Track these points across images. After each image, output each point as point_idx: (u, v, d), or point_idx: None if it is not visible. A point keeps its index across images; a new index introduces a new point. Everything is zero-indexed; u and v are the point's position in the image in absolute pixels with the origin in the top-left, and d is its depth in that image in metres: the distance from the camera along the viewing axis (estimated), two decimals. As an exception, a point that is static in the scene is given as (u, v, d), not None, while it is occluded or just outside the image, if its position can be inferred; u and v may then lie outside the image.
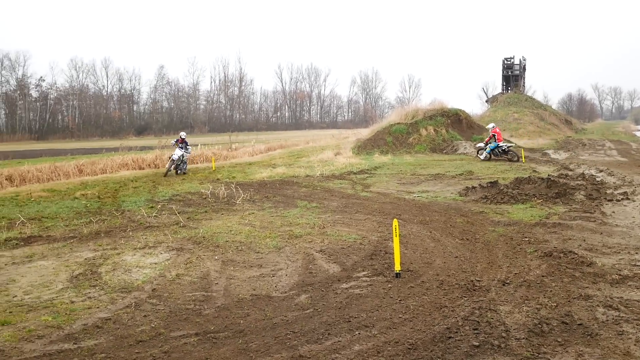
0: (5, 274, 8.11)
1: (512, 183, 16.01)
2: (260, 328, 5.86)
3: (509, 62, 72.58)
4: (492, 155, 26.79)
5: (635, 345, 5.07)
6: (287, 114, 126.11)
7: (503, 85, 73.41)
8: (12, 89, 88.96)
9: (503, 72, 72.89)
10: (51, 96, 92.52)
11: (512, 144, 28.41)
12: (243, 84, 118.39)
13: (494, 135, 26.80)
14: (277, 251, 9.24)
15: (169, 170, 23.10)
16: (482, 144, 27.97)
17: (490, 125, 28.19)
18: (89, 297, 6.94)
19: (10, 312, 6.41)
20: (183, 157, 23.51)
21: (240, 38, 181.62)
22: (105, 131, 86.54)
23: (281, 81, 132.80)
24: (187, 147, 24.13)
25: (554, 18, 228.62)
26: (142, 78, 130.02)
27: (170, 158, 23.68)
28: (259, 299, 6.89)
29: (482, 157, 27.06)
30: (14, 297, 7.02)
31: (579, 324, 5.57)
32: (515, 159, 26.09)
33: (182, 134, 24.56)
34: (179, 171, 23.43)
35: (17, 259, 9.00)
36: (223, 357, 5.13)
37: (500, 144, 26.79)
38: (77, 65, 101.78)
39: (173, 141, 24.66)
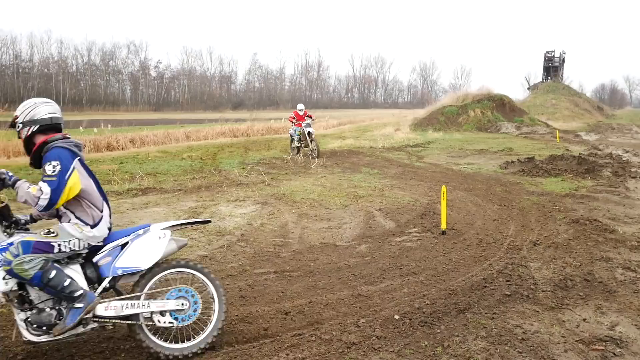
0: (127, 216, 8.44)
1: (547, 159, 15.42)
2: (326, 270, 5.91)
3: (550, 55, 69.47)
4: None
5: (649, 302, 4.84)
6: (356, 95, 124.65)
7: (543, 74, 70.46)
8: (136, 69, 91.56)
9: (544, 63, 69.89)
10: (166, 76, 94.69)
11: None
12: (320, 69, 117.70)
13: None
14: (343, 208, 9.24)
15: (298, 149, 17.48)
16: None
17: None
18: (191, 238, 7.15)
19: (130, 247, 6.68)
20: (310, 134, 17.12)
21: (320, 30, 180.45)
22: (208, 105, 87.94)
23: (352, 67, 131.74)
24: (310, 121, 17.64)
25: (593, 14, 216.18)
26: (239, 62, 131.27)
27: (294, 138, 17.79)
28: (327, 246, 6.93)
29: None
30: (133, 235, 7.30)
31: (599, 282, 5.36)
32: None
33: (300, 106, 18.37)
34: (311, 148, 16.96)
35: (136, 205, 9.34)
36: (296, 292, 5.20)
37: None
38: (187, 51, 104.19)
39: (291, 116, 18.38)
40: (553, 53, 69.49)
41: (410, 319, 4.46)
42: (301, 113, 17.96)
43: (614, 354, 3.89)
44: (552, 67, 69.03)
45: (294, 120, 18.14)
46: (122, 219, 8.20)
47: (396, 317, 4.51)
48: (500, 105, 36.17)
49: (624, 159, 16.31)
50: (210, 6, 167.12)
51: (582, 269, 5.77)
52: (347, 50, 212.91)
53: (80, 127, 24.12)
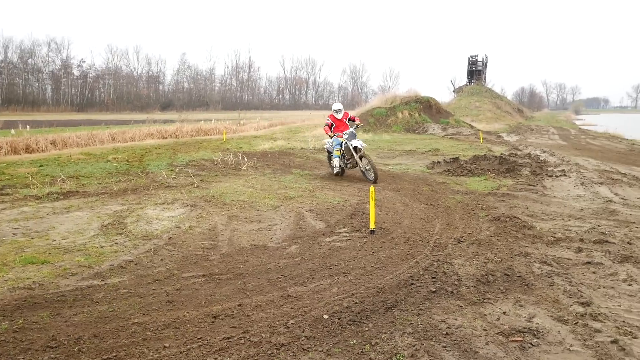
0: (46, 221, 8.06)
1: (471, 159, 15.98)
2: (256, 272, 5.86)
3: (474, 59, 72.24)
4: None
5: (563, 294, 5.11)
6: (287, 97, 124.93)
7: (468, 78, 73.17)
8: (57, 68, 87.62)
9: (468, 67, 72.61)
10: (90, 75, 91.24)
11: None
12: (251, 70, 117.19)
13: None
14: (274, 209, 9.22)
15: (342, 170, 12.99)
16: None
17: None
18: (116, 243, 6.92)
19: (49, 253, 6.39)
20: (358, 146, 12.28)
21: (250, 31, 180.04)
22: (135, 106, 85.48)
23: (283, 69, 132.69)
24: (356, 125, 12.85)
25: (514, 20, 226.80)
26: (167, 62, 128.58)
27: (333, 155, 13.01)
28: (257, 248, 6.88)
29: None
30: (53, 241, 6.99)
31: (518, 276, 5.61)
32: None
33: (337, 106, 13.22)
34: (363, 169, 12.40)
35: (57, 209, 8.94)
36: (225, 295, 5.13)
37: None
38: (112, 50, 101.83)
39: (328, 122, 13.07)
40: (476, 57, 72.30)
41: (339, 318, 4.50)
42: (339, 115, 12.95)
43: (532, 344, 4.08)
44: (476, 71, 71.80)
45: (331, 129, 12.96)
46: (42, 224, 7.83)
47: (325, 316, 4.54)
48: (427, 107, 37.21)
49: (541, 158, 17.15)
50: (136, 3, 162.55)
51: (503, 264, 6.01)
52: (277, 52, 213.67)
53: (-4, 129, 22.82)
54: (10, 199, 9.71)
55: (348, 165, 12.89)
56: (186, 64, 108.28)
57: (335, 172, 13.00)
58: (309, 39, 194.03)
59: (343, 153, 12.67)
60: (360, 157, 12.35)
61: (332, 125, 13.00)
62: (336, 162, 12.81)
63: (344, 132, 12.54)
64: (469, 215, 8.85)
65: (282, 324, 4.41)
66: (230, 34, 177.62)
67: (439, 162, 15.71)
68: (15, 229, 7.56)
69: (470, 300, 4.97)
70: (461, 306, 4.82)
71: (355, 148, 12.28)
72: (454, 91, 74.69)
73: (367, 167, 12.35)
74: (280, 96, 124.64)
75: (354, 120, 12.93)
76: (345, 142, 12.43)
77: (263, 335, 4.19)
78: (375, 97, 59.67)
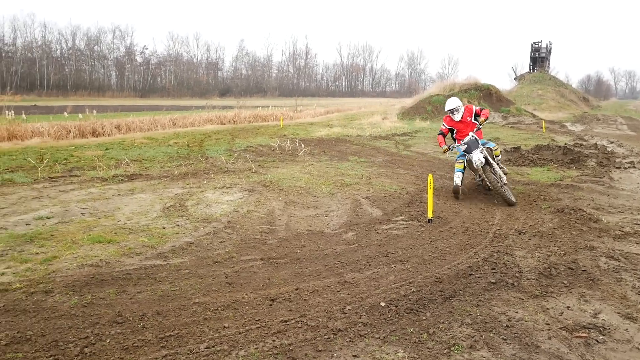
0: (112, 202, 8.37)
1: (533, 149, 15.52)
2: (313, 257, 5.90)
3: (537, 46, 69.74)
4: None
5: (631, 290, 4.90)
6: (343, 84, 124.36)
7: (530, 65, 70.71)
8: (121, 54, 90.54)
9: (531, 54, 70.14)
10: (152, 62, 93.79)
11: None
12: (308, 57, 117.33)
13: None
14: (330, 196, 9.24)
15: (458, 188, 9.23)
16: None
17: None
18: (177, 225, 7.11)
19: (115, 233, 6.64)
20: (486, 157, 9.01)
21: (308, 18, 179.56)
22: (195, 92, 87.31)
23: (340, 55, 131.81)
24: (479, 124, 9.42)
25: (580, 5, 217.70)
26: (226, 49, 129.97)
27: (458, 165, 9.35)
28: (314, 234, 6.93)
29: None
30: (118, 221, 7.26)
31: (583, 270, 5.42)
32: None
33: (453, 104, 9.60)
34: (498, 182, 8.81)
35: (121, 191, 9.26)
36: (282, 278, 5.20)
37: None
38: (173, 37, 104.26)
39: (443, 128, 9.77)
40: (540, 44, 69.75)
41: (396, 306, 4.48)
42: (458, 116, 9.55)
43: (597, 341, 3.94)
44: (539, 58, 69.30)
45: (447, 136, 9.88)
46: (108, 205, 8.14)
47: (382, 304, 4.53)
48: (487, 95, 36.29)
49: (608, 149, 16.46)
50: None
51: (567, 257, 5.82)
52: (334, 38, 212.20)
53: (65, 113, 23.84)
54: (78, 180, 10.13)
55: (481, 182, 9.76)
56: (244, 51, 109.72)
57: (454, 189, 9.31)
58: (366, 25, 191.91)
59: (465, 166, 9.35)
60: (489, 173, 8.92)
61: (449, 131, 9.76)
62: (456, 178, 9.27)
63: (463, 140, 9.22)
64: (530, 206, 8.60)
65: (339, 309, 4.43)
66: (288, 21, 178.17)
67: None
68: (83, 208, 7.89)
69: (532, 293, 4.84)
70: (522, 299, 4.70)
71: (480, 163, 8.88)
72: (515, 79, 72.43)
73: (497, 181, 8.81)
74: (337, 83, 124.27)
75: (479, 115, 9.50)
76: (467, 156, 9.14)
77: (320, 319, 4.22)
78: (433, 84, 58.75)
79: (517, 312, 4.40)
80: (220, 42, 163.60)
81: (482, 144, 9.20)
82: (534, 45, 70.00)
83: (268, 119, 28.68)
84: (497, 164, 9.33)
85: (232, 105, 33.26)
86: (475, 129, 9.38)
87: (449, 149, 9.46)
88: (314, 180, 10.71)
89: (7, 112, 18.94)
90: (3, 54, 75.49)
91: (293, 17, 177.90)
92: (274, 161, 13.39)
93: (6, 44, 77.81)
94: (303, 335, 3.95)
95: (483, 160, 8.88)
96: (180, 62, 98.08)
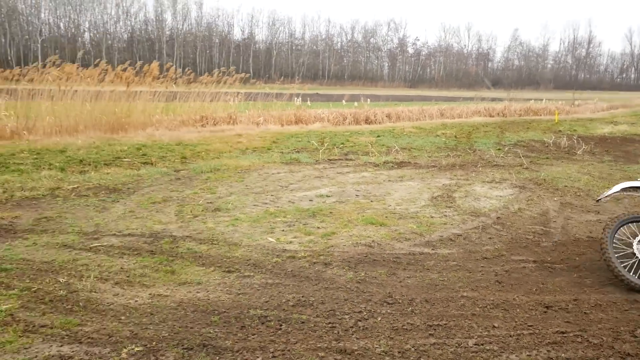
0: (383, 187, 8.76)
1: None
2: (595, 267, 5.30)
3: None
4: None
5: None
6: (632, 76, 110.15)
7: None
8: (394, 46, 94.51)
9: None
10: (423, 53, 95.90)
11: None
12: (591, 46, 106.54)
13: None
14: (616, 202, 8.23)
15: None
16: None
17: None
18: (445, 215, 7.11)
19: (385, 217, 6.92)
20: None
21: (592, 2, 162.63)
22: (463, 83, 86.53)
23: (630, 43, 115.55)
24: None
25: None
26: (498, 39, 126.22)
27: None
28: (595, 242, 6.24)
29: None
30: (388, 205, 7.56)
31: None
32: None
33: None
34: None
35: (391, 177, 9.63)
36: (558, 286, 4.78)
37: None
38: (445, 28, 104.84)
39: None
40: None
41: (703, 340, 3.77)
42: None
43: None
44: None
45: None
46: (379, 189, 8.55)
47: (685, 334, 3.85)
48: None
49: None
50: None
51: None
52: (624, 24, 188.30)
53: (343, 101, 25.76)
54: (353, 164, 10.85)
55: None
56: (518, 41, 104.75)
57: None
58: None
59: None
60: None
61: None
62: None
63: None
64: None
65: (628, 330, 3.90)
66: (570, 5, 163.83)
67: None
68: (357, 191, 8.43)
69: None
70: None
71: None
72: None
73: None
74: (624, 75, 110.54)
75: None
76: None
77: (604, 338, 3.77)
78: None
79: None
80: (492, 32, 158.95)
81: None
82: None
83: (541, 113, 26.92)
84: None
85: (502, 98, 32.01)
86: None
87: None
88: (595, 182, 9.69)
89: (295, 99, 21.23)
90: (293, 47, 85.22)
91: (575, 3, 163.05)
92: (547, 158, 12.50)
93: (296, 38, 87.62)
94: (583, 352, 3.58)
95: None
96: (450, 53, 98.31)
